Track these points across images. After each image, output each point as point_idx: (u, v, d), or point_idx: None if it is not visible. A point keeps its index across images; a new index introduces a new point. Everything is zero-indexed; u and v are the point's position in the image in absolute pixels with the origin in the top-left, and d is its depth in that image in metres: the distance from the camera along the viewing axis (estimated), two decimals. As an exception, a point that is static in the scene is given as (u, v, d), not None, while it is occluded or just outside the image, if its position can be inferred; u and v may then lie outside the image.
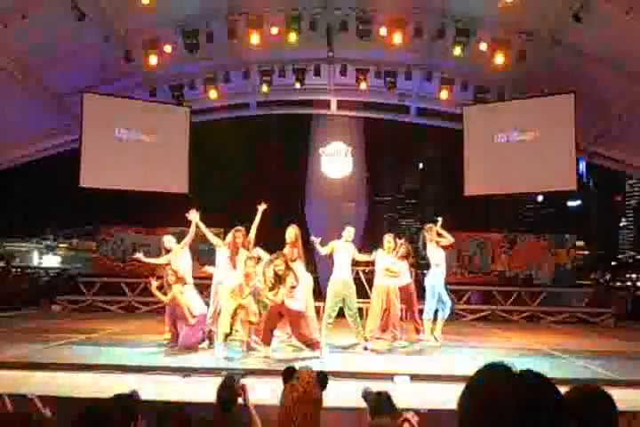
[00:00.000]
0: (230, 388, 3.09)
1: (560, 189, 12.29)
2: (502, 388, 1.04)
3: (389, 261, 7.39)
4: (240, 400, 3.12)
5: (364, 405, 3.06)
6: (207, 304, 7.52)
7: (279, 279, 6.30)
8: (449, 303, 7.80)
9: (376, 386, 3.34)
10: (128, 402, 2.68)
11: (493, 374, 1.09)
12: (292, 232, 7.21)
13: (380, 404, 2.85)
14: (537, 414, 1.01)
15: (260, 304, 6.90)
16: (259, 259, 7.02)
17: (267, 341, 6.46)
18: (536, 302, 11.64)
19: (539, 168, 11.22)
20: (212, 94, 12.12)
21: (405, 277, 7.70)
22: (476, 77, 11.85)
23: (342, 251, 7.34)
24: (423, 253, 7.92)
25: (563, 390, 1.81)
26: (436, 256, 7.76)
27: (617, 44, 9.38)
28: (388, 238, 7.47)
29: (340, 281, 7.23)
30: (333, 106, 13.74)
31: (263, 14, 10.16)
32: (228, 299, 6.59)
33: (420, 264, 10.07)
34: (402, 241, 7.69)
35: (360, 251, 7.66)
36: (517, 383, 1.05)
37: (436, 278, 7.71)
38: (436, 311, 7.70)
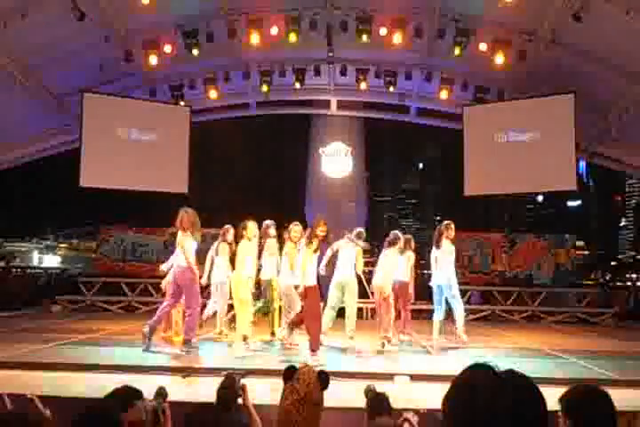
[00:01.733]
0: (230, 388, 3.08)
1: (560, 189, 12.30)
2: (485, 388, 1.05)
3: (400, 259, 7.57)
4: (240, 400, 3.12)
5: (363, 405, 3.06)
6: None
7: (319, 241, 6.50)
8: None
9: (376, 386, 3.34)
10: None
11: (477, 375, 1.10)
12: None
13: (380, 404, 2.85)
14: (519, 414, 1.02)
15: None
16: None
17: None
18: (536, 302, 11.63)
19: (539, 168, 11.22)
20: (212, 94, 12.13)
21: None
22: (476, 77, 11.85)
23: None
24: (436, 252, 7.53)
25: (563, 390, 1.81)
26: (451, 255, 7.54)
27: (617, 44, 9.38)
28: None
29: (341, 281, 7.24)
30: (333, 106, 13.75)
31: (263, 14, 10.16)
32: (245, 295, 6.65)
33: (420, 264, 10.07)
34: (409, 236, 7.77)
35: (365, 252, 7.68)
36: (500, 383, 1.06)
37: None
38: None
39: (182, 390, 4.78)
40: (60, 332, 7.87)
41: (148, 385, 4.86)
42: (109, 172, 11.48)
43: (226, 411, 2.95)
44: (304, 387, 2.44)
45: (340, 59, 11.77)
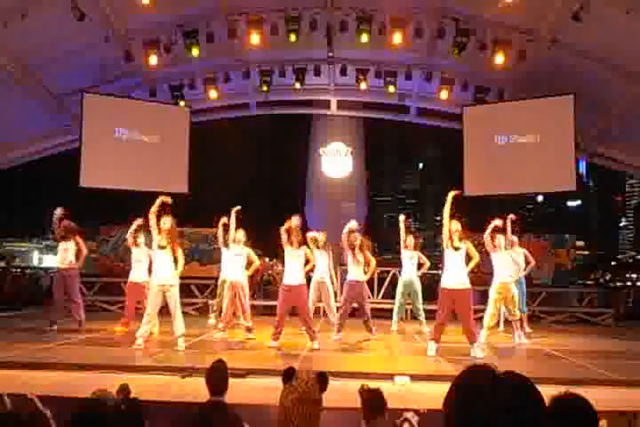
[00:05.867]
0: (221, 369, 3.05)
1: (560, 190, 12.28)
2: (485, 388, 1.06)
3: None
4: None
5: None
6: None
7: None
8: None
9: (369, 384, 3.33)
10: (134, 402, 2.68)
11: (477, 375, 1.11)
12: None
13: (376, 403, 2.84)
14: (519, 414, 1.03)
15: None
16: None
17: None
18: (536, 302, 11.62)
19: (538, 169, 11.22)
20: (212, 94, 12.13)
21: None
22: (476, 77, 11.85)
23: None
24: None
25: (561, 390, 1.81)
26: None
27: (617, 44, 9.38)
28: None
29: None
30: (333, 106, 13.75)
31: (263, 14, 10.16)
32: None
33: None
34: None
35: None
36: (500, 384, 1.07)
37: None
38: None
39: (182, 390, 4.78)
40: (60, 332, 7.87)
41: (147, 385, 4.87)
42: (109, 172, 11.47)
43: (219, 394, 2.93)
44: (302, 386, 2.43)
45: (340, 59, 11.77)
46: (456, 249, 6.67)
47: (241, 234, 7.88)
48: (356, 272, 7.71)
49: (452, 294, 6.60)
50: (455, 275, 6.64)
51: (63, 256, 8.29)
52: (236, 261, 7.82)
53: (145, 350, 6.64)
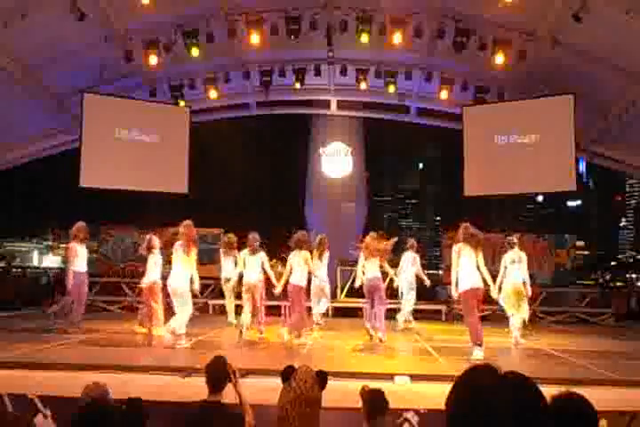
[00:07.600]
0: (221, 365, 3.04)
1: (560, 190, 12.29)
2: (487, 388, 1.06)
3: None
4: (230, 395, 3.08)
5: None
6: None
7: None
8: None
9: (376, 386, 3.34)
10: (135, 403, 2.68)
11: (479, 375, 1.11)
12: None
13: (377, 404, 2.84)
14: (521, 414, 1.03)
15: None
16: None
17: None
18: (536, 302, 11.61)
19: (538, 169, 11.22)
20: (212, 94, 12.13)
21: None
22: (476, 77, 11.85)
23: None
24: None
25: (561, 389, 1.81)
26: None
27: (617, 44, 9.37)
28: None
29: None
30: (333, 106, 13.75)
31: (263, 14, 10.17)
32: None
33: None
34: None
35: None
36: (502, 384, 1.07)
37: None
38: None
39: (182, 390, 4.78)
40: (60, 332, 7.87)
41: (147, 385, 4.87)
42: (109, 172, 11.48)
43: (217, 391, 2.92)
44: (301, 385, 2.43)
45: (340, 59, 11.78)
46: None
47: (256, 236, 7.78)
48: (374, 269, 7.71)
49: (479, 292, 6.59)
50: (475, 275, 6.61)
51: (83, 261, 8.18)
52: (252, 263, 7.76)
53: (145, 349, 6.64)
